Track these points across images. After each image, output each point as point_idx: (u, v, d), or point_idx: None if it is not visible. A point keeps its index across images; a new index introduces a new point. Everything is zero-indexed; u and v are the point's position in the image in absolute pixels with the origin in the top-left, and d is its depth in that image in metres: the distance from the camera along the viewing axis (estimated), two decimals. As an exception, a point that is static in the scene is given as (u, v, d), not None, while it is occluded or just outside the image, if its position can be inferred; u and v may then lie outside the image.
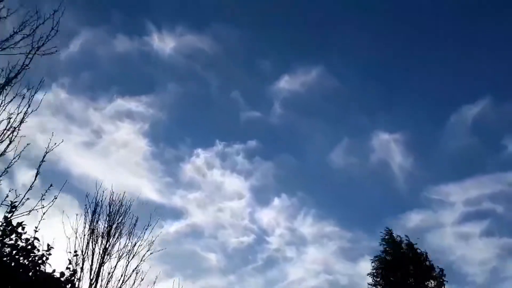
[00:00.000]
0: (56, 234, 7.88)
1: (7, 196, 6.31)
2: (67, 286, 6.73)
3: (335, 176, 37.65)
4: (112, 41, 32.02)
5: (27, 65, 6.33)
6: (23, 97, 6.37)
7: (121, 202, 9.07)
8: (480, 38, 38.74)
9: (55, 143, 6.72)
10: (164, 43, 34.35)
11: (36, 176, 6.56)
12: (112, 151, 29.78)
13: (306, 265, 31.77)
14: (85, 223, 8.44)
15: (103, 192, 9.10)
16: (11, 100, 6.30)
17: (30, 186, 6.54)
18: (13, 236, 6.43)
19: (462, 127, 37.81)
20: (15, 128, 6.25)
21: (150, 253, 8.91)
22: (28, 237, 6.63)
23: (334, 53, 38.45)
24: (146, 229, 9.03)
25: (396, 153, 37.35)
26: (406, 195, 37.23)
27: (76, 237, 8.15)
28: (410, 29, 38.90)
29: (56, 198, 6.87)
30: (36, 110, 6.47)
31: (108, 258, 8.24)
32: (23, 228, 6.54)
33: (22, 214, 6.46)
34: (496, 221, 33.64)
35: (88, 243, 8.15)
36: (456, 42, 38.49)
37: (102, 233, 8.50)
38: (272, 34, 38.26)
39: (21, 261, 6.38)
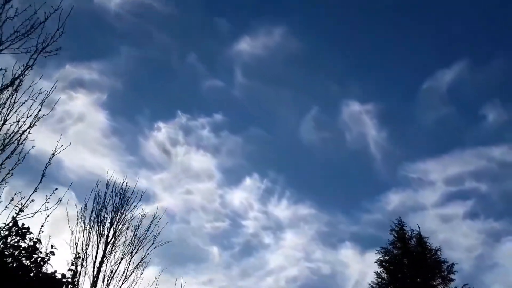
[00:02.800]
0: (55, 223, 7.88)
1: (12, 199, 6.30)
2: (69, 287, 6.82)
3: (306, 152, 35.55)
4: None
5: (30, 66, 6.10)
6: (34, 101, 6.23)
7: (125, 193, 8.97)
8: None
9: (62, 145, 6.62)
10: (108, -2, 29.44)
11: (41, 178, 6.49)
12: (68, 125, 26.61)
13: (286, 251, 30.54)
14: (84, 215, 8.39)
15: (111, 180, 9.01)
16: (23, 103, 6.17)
17: (35, 189, 6.50)
18: (16, 237, 6.47)
19: (437, 95, 34.96)
20: (24, 131, 6.16)
21: (155, 247, 8.88)
22: (32, 236, 6.69)
23: (296, 12, 35.01)
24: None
25: (369, 127, 34.96)
26: (383, 174, 35.10)
27: (81, 229, 8.18)
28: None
29: (60, 200, 6.86)
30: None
31: (112, 252, 8.27)
32: (28, 230, 6.57)
33: (26, 216, 6.50)
34: (480, 202, 32.02)
35: (90, 236, 8.16)
36: (428, 1, 35.11)
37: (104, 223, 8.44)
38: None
39: (23, 262, 6.44)
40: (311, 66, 36.63)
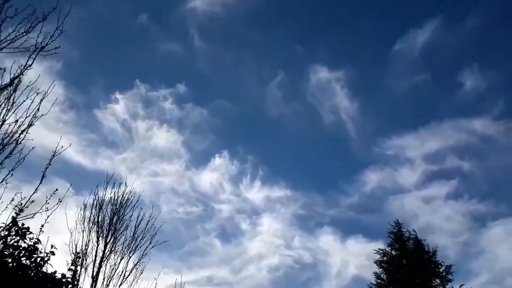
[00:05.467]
0: (55, 222, 7.82)
1: (12, 200, 6.29)
2: (69, 287, 6.80)
3: (276, 126, 32.88)
4: None
5: (29, 66, 6.12)
6: (33, 101, 6.26)
7: (123, 194, 8.94)
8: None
9: (62, 146, 6.62)
10: None
11: (41, 179, 6.48)
12: (20, 97, 25.19)
13: (264, 238, 29.05)
14: (83, 216, 8.36)
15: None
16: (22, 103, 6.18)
17: (35, 189, 6.49)
18: (16, 237, 6.45)
19: (409, 59, 31.56)
20: (22, 131, 6.17)
21: (152, 246, 8.85)
22: (32, 236, 6.67)
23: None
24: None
25: (340, 97, 32.12)
26: (358, 150, 32.34)
27: (82, 230, 8.16)
28: None
29: (60, 201, 6.83)
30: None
31: (111, 252, 8.24)
32: (27, 229, 6.56)
33: (26, 217, 6.47)
34: (463, 181, 29.66)
35: (89, 237, 8.13)
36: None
37: (104, 224, 8.41)
38: None
39: (23, 262, 6.42)
40: (273, 25, 33.30)
